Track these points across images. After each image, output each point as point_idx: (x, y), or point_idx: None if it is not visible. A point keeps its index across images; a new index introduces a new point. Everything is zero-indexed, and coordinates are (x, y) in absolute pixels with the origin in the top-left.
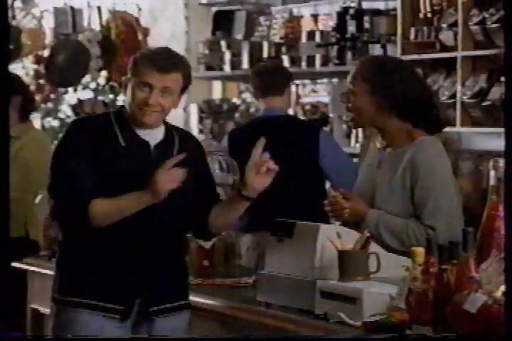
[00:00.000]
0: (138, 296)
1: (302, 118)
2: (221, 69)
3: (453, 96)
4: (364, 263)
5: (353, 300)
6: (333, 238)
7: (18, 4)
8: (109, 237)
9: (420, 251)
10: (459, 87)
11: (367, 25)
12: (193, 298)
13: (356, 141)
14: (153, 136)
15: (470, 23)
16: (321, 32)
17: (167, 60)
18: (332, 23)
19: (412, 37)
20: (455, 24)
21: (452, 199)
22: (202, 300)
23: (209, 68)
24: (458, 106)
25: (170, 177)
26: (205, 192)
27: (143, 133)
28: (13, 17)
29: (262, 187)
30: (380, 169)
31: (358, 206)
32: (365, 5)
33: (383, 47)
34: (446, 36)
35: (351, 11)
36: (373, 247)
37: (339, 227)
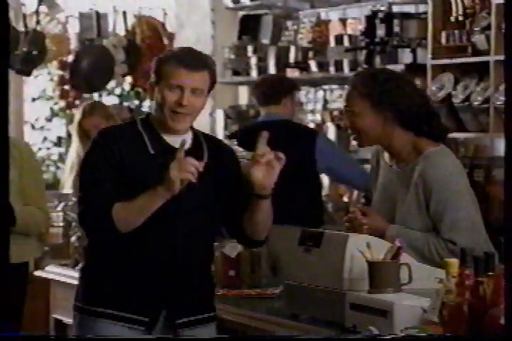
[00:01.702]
0: (164, 308)
1: (324, 124)
2: (247, 74)
3: (486, 101)
4: (395, 275)
5: (383, 313)
6: (362, 248)
7: (43, 9)
8: (136, 247)
9: (454, 262)
10: (492, 92)
11: (397, 29)
12: (218, 309)
13: None
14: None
15: (503, 27)
16: (350, 36)
17: (194, 59)
18: (361, 27)
19: (443, 41)
20: (488, 27)
21: (469, 211)
22: (227, 311)
23: (235, 73)
24: (491, 111)
25: (183, 167)
26: (236, 200)
27: (171, 140)
28: (38, 22)
29: (269, 181)
30: (396, 187)
31: (377, 222)
32: (394, 8)
33: (413, 51)
34: (478, 40)
35: (380, 15)
36: (404, 258)
37: (369, 237)
